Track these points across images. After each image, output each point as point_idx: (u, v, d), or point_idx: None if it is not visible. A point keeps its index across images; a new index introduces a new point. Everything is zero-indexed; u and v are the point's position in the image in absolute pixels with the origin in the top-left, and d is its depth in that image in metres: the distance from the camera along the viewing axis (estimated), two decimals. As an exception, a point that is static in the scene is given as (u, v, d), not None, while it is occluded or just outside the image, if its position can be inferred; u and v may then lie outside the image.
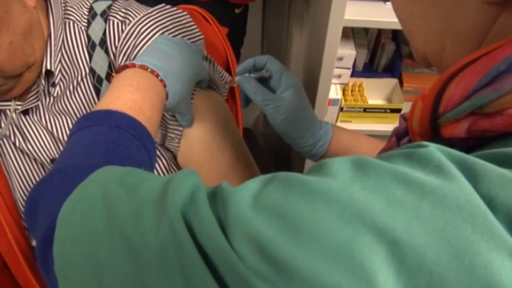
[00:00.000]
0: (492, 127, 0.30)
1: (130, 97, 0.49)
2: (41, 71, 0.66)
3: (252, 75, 0.63)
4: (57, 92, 0.69)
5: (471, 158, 0.26)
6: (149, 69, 0.52)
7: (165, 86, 0.54)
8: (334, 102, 1.18)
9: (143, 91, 0.50)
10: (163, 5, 0.68)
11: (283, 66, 0.64)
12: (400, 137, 0.43)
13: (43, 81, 0.67)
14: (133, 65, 0.53)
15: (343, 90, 1.24)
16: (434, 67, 0.39)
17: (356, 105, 1.20)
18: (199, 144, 0.66)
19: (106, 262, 0.31)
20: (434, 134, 0.35)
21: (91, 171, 0.37)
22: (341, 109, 1.20)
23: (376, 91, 1.26)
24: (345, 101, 1.21)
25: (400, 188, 0.25)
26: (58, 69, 0.67)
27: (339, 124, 1.20)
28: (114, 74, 0.54)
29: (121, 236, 0.31)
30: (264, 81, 0.65)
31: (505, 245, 0.23)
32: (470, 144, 0.33)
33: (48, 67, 0.66)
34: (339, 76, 1.21)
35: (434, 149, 0.27)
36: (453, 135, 0.33)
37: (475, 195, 0.25)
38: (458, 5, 0.32)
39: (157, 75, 0.53)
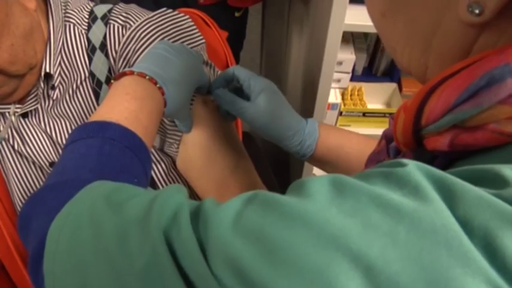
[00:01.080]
0: (474, 142, 0.30)
1: (126, 106, 0.49)
2: (40, 74, 0.66)
3: (226, 89, 0.64)
4: (57, 95, 0.69)
5: (450, 178, 0.26)
6: (147, 77, 0.52)
7: (163, 94, 0.54)
8: (333, 106, 1.18)
9: (140, 100, 0.50)
10: (164, 9, 0.68)
11: (250, 73, 0.64)
12: (389, 140, 0.43)
13: (42, 84, 0.67)
14: (132, 73, 0.53)
15: (343, 95, 1.24)
16: (419, 82, 0.39)
17: (355, 110, 1.20)
18: (198, 149, 0.65)
19: (93, 282, 0.32)
20: (417, 144, 0.35)
21: (81, 187, 0.38)
22: (340, 113, 1.20)
23: (376, 95, 1.26)
24: (344, 105, 1.21)
25: (377, 212, 0.25)
26: (57, 72, 0.67)
27: (338, 128, 1.19)
28: (112, 81, 0.54)
29: (106, 257, 0.31)
30: (240, 92, 0.65)
31: (480, 271, 0.23)
32: (453, 156, 0.33)
33: (48, 70, 0.66)
34: (339, 80, 1.21)
35: (413, 169, 0.27)
36: (436, 148, 0.33)
37: (451, 218, 0.24)
38: (440, 27, 0.33)
39: (155, 83, 0.53)
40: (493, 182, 0.26)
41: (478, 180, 0.27)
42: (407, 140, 0.35)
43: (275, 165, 1.45)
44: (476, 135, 0.30)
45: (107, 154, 0.43)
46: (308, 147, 0.64)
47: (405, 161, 0.28)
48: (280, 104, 0.64)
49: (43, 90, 0.68)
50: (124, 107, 0.49)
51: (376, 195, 0.26)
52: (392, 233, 0.24)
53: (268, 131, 0.63)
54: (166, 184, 0.74)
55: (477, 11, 0.29)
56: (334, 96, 1.20)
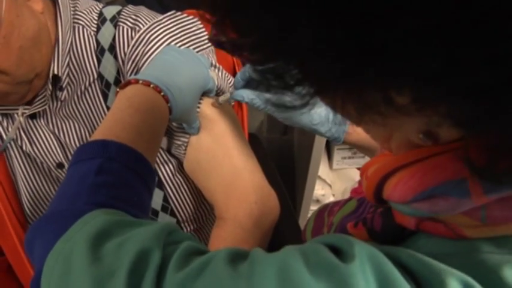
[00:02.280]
0: (436, 232, 0.31)
1: (128, 121, 0.50)
2: (48, 76, 0.67)
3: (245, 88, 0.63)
4: (65, 96, 0.69)
5: (397, 282, 0.27)
6: (152, 85, 0.53)
7: (168, 101, 0.54)
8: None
9: (143, 112, 0.51)
10: (173, 11, 0.69)
11: None
12: None
13: (50, 86, 0.67)
14: (136, 81, 0.53)
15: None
16: None
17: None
18: (206, 151, 0.66)
19: None
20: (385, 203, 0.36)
21: (75, 218, 0.38)
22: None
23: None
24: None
25: None
26: (66, 73, 0.68)
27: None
28: (118, 89, 0.54)
29: None
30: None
31: None
32: None
33: (55, 72, 0.66)
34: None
35: (358, 270, 0.27)
36: (404, 225, 0.34)
37: None
38: (392, 137, 0.33)
39: (159, 91, 0.53)
40: None
41: (425, 281, 0.28)
42: (375, 204, 0.36)
43: (280, 166, 1.45)
44: (438, 227, 0.31)
45: (105, 176, 0.44)
46: (337, 138, 0.63)
47: (356, 249, 0.29)
48: None
49: (51, 92, 0.68)
50: (127, 122, 0.49)
51: None
52: None
53: (293, 124, 0.62)
54: (173, 185, 0.74)
55: (429, 143, 0.29)
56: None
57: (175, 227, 0.38)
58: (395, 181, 0.32)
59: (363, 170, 0.38)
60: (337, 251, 0.30)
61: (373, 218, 0.37)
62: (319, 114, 0.60)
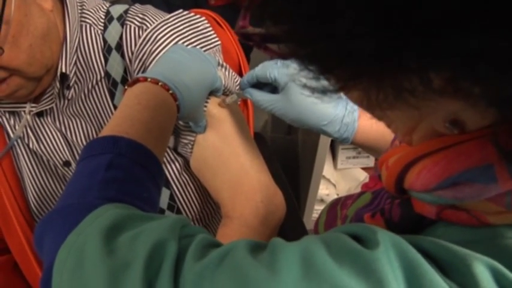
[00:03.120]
0: (457, 220, 0.31)
1: (138, 118, 0.50)
2: (56, 74, 0.67)
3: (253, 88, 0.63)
4: (72, 95, 0.70)
5: (421, 266, 0.27)
6: (160, 83, 0.53)
7: (176, 100, 0.54)
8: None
9: (151, 109, 0.51)
10: (180, 10, 0.69)
11: (272, 66, 0.61)
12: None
13: (58, 84, 0.67)
14: (145, 79, 0.53)
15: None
16: None
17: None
18: (212, 149, 0.66)
19: None
20: (405, 193, 0.36)
21: (87, 211, 0.38)
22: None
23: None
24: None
25: None
26: (73, 72, 0.68)
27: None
28: (126, 87, 0.55)
29: None
30: (268, 86, 0.64)
31: None
32: None
33: (63, 70, 0.66)
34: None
35: (382, 255, 0.27)
36: (424, 214, 0.34)
37: None
38: (416, 128, 0.33)
39: (167, 89, 0.53)
40: (463, 276, 0.27)
41: (450, 267, 0.27)
42: (394, 194, 0.36)
43: (284, 166, 1.45)
44: (460, 215, 0.31)
45: (115, 171, 0.44)
46: (345, 139, 0.63)
47: (380, 235, 0.28)
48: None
49: (59, 90, 0.69)
50: (136, 118, 0.49)
51: (337, 286, 0.26)
52: None
53: (300, 123, 0.62)
54: (179, 183, 0.74)
55: (455, 131, 0.29)
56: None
57: (188, 221, 0.38)
58: (418, 169, 0.32)
59: (381, 161, 0.38)
60: (358, 239, 0.30)
61: (391, 209, 0.37)
62: (328, 115, 0.60)
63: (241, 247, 0.32)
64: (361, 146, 0.66)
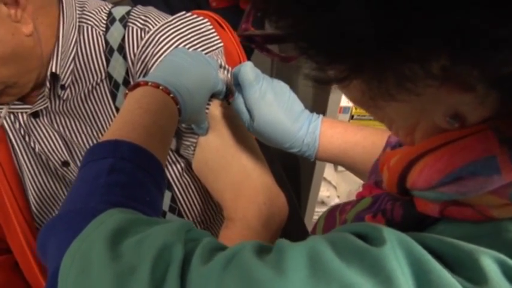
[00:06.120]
0: (462, 216, 0.31)
1: (139, 122, 0.49)
2: (46, 74, 0.66)
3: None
4: (68, 95, 0.69)
5: (429, 263, 0.27)
6: (161, 87, 0.53)
7: (177, 103, 0.54)
8: (345, 110, 1.19)
9: (153, 113, 0.51)
10: (183, 12, 0.69)
11: (248, 79, 0.61)
12: (393, 147, 0.44)
13: (48, 84, 0.67)
14: (145, 83, 0.53)
15: (354, 98, 1.24)
16: None
17: (367, 113, 1.20)
18: (214, 151, 0.66)
19: None
20: (407, 194, 0.36)
21: (90, 216, 0.38)
22: (352, 117, 1.20)
23: (387, 99, 1.26)
24: (356, 108, 1.21)
25: None
26: (68, 72, 0.67)
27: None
28: (127, 91, 0.54)
29: None
30: None
31: None
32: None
33: (54, 70, 0.66)
34: (350, 84, 1.21)
35: (389, 252, 0.27)
36: (427, 213, 0.33)
37: None
38: (417, 125, 0.33)
39: (168, 93, 0.53)
40: (471, 270, 0.27)
41: (457, 263, 0.27)
42: (396, 194, 0.36)
43: (285, 167, 1.45)
44: (464, 211, 0.31)
45: (118, 175, 0.44)
46: (308, 156, 0.64)
47: (385, 236, 0.28)
48: (272, 117, 0.60)
49: (50, 90, 0.68)
50: (137, 122, 0.49)
51: (347, 283, 0.26)
52: None
53: (269, 143, 0.63)
54: (181, 185, 0.74)
55: (456, 125, 0.29)
56: (345, 100, 1.20)
57: (193, 225, 0.38)
58: (421, 166, 0.32)
59: (383, 162, 0.38)
60: (363, 238, 0.30)
61: (393, 209, 0.37)
62: (290, 137, 0.62)
63: (247, 249, 0.32)
64: (329, 162, 0.68)
